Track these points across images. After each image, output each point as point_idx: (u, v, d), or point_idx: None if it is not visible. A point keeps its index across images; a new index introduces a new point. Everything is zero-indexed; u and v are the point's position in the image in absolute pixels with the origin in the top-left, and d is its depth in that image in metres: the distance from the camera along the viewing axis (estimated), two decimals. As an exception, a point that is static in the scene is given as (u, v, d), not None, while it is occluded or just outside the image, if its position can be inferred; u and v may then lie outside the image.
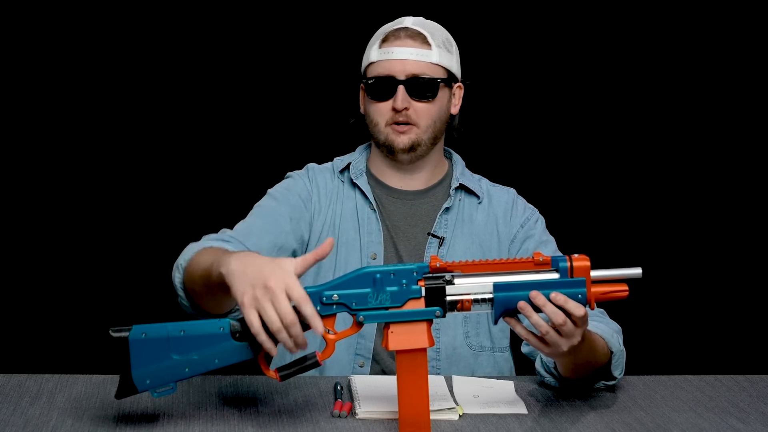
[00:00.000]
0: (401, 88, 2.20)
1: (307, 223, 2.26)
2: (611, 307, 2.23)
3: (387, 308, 1.77)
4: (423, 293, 1.77)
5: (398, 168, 2.28)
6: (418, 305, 1.77)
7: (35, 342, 3.20)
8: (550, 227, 2.32)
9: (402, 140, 2.22)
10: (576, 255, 1.77)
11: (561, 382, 2.02)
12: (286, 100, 3.23)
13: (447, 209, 2.28)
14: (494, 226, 2.28)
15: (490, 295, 1.76)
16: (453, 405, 1.89)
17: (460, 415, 1.88)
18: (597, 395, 2.01)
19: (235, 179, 3.23)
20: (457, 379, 2.05)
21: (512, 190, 2.34)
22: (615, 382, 2.03)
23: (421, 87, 2.21)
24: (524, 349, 2.20)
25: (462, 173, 2.32)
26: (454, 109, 2.30)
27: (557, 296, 1.75)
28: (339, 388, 1.96)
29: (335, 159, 2.35)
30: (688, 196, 3.34)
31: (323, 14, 3.20)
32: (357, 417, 1.86)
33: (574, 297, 1.75)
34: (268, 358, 1.79)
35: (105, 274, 3.21)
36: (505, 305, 1.76)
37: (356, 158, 2.33)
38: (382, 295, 1.77)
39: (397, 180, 2.29)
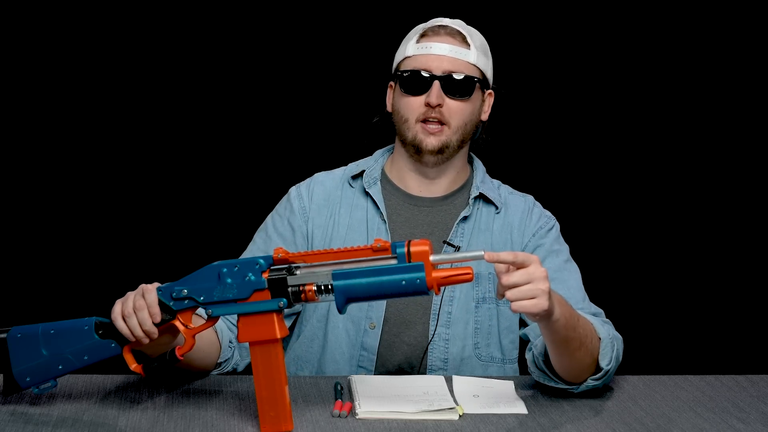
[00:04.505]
0: (436, 84, 2.15)
1: (302, 242, 2.24)
2: (613, 307, 2.23)
3: (234, 301, 1.79)
4: (267, 285, 1.79)
5: (421, 172, 2.24)
6: (264, 296, 1.78)
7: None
8: (564, 230, 2.28)
9: (431, 141, 2.17)
10: (416, 240, 1.76)
11: (551, 379, 2.00)
12: (305, 103, 3.22)
13: (465, 218, 2.23)
14: (509, 235, 2.24)
15: (331, 284, 1.77)
16: (453, 405, 1.89)
17: (460, 415, 1.88)
18: (597, 395, 2.01)
19: (245, 181, 3.22)
20: (457, 379, 2.05)
21: (530, 198, 2.30)
22: (603, 377, 1.99)
23: (457, 84, 2.17)
24: (527, 354, 2.17)
25: (482, 181, 2.27)
26: (484, 116, 2.26)
27: (488, 255, 1.77)
28: (339, 388, 1.96)
29: (350, 164, 2.32)
30: (689, 196, 3.34)
31: (341, 16, 3.19)
32: (357, 417, 1.86)
33: (412, 282, 1.73)
34: (138, 355, 1.85)
35: (105, 275, 3.21)
36: (345, 294, 1.76)
37: (371, 165, 2.28)
38: (226, 288, 1.79)
39: (417, 186, 2.25)
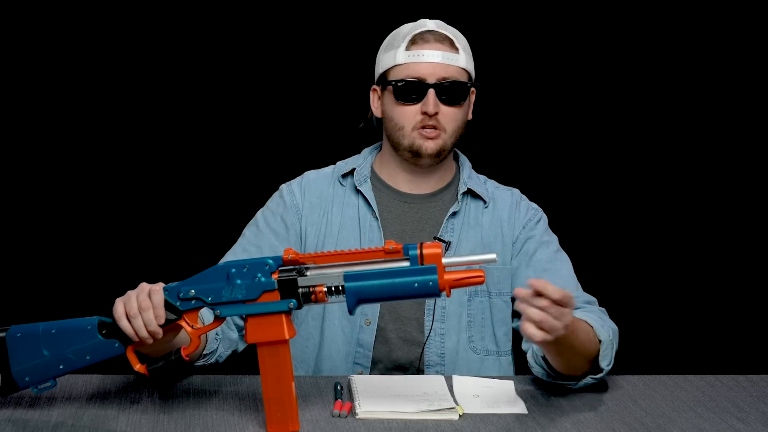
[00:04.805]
0: (431, 92, 2.17)
1: (295, 239, 2.24)
2: (612, 307, 2.23)
3: (243, 301, 1.78)
4: (276, 285, 1.78)
5: (411, 171, 2.25)
6: (274, 297, 1.78)
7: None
8: (553, 225, 2.31)
9: (430, 146, 2.19)
10: (428, 242, 1.76)
11: (551, 376, 2.01)
12: (292, 102, 3.22)
13: (454, 214, 2.25)
14: (499, 229, 2.26)
15: (342, 285, 1.77)
16: (453, 405, 1.89)
17: (460, 415, 1.88)
18: (597, 395, 2.01)
19: (242, 181, 3.22)
20: (457, 379, 2.04)
21: (516, 191, 2.32)
22: (602, 375, 2.01)
23: (452, 92, 2.18)
24: (524, 345, 2.18)
25: (469, 176, 2.29)
26: (470, 115, 2.28)
27: (535, 282, 1.77)
28: (339, 388, 1.96)
29: (338, 163, 2.33)
30: (689, 196, 3.34)
31: (327, 18, 3.19)
32: (357, 417, 1.86)
33: (425, 284, 1.74)
34: (140, 355, 1.84)
35: (105, 274, 3.21)
36: (356, 295, 1.76)
37: (361, 163, 2.30)
38: (235, 289, 1.79)
39: (406, 184, 2.27)
